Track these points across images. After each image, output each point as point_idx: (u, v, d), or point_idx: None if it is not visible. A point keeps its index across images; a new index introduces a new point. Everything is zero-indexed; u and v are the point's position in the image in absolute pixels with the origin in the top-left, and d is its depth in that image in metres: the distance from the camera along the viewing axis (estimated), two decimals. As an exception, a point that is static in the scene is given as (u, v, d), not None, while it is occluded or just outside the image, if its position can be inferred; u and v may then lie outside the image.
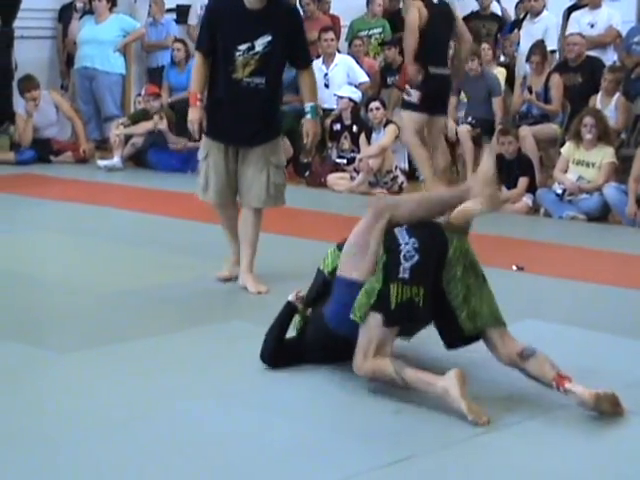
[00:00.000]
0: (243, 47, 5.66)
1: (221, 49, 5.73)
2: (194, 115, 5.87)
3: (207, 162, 5.95)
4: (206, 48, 5.87)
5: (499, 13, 12.61)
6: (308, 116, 5.98)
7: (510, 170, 8.75)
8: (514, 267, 6.49)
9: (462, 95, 10.22)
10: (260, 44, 5.67)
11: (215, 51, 5.79)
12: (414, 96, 8.35)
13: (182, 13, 12.60)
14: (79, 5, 11.90)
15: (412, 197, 4.41)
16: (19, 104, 11.17)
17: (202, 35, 5.98)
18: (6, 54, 11.69)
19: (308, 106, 5.96)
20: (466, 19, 12.12)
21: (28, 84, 10.95)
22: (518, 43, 11.07)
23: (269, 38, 5.66)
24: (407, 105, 8.57)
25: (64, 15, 12.15)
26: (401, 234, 4.15)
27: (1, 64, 11.49)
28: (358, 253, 4.24)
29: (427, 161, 8.60)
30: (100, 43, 11.28)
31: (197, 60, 5.97)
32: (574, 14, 10.70)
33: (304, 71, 5.96)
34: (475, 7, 12.49)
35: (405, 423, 3.91)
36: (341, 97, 10.03)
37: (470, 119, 9.87)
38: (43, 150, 11.00)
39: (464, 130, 9.75)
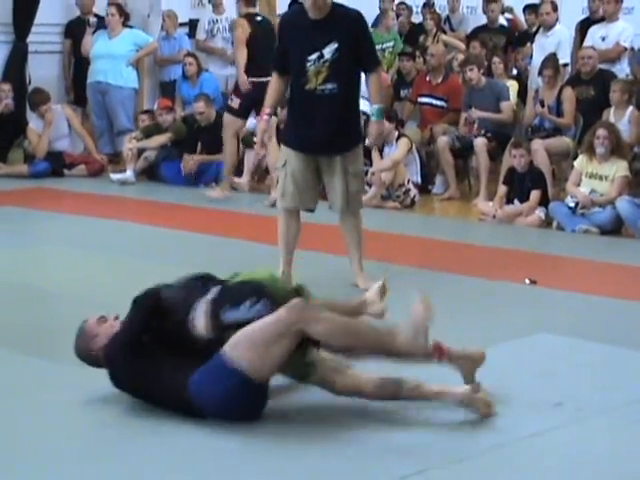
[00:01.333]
0: (313, 57, 5.91)
1: (294, 62, 6.01)
2: (259, 126, 6.44)
3: (285, 170, 6.21)
4: (278, 66, 6.23)
5: (506, 25, 12.64)
6: (373, 117, 6.20)
7: (522, 183, 8.74)
8: (527, 280, 6.47)
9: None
10: (328, 52, 5.89)
11: (289, 67, 6.09)
12: (235, 102, 9.29)
13: (194, 27, 12.64)
14: (92, 20, 11.94)
15: (337, 319, 3.96)
16: (31, 117, 11.23)
17: (275, 54, 6.38)
18: (20, 69, 11.77)
19: (373, 108, 6.17)
20: (475, 31, 12.20)
21: (39, 98, 11.00)
22: (531, 56, 11.06)
23: (336, 45, 5.89)
24: (229, 109, 9.47)
25: (73, 30, 12.16)
26: None
27: (16, 78, 11.56)
28: (257, 347, 3.86)
29: (230, 156, 9.66)
30: (113, 57, 11.31)
31: (272, 77, 6.33)
32: (591, 29, 10.67)
33: (370, 74, 6.12)
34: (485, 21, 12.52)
35: (417, 437, 3.90)
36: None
37: (483, 131, 9.84)
38: (56, 163, 11.03)
39: (480, 143, 9.72)
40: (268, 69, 9.06)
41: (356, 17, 6.13)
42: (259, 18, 9.54)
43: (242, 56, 9.21)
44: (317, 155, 6.16)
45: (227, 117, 9.52)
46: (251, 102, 9.09)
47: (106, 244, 7.64)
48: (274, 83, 6.28)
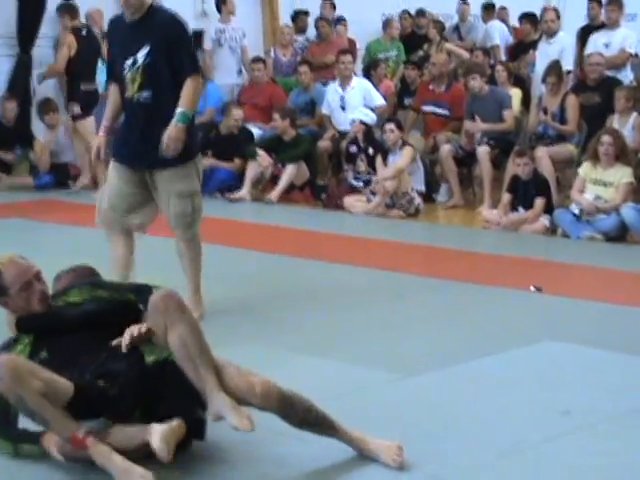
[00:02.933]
0: (129, 62, 5.51)
1: (117, 69, 5.63)
2: (94, 141, 5.87)
3: (106, 183, 5.84)
4: (110, 75, 5.91)
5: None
6: (172, 121, 5.44)
7: (526, 191, 8.74)
8: (532, 288, 6.46)
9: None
10: (141, 56, 5.48)
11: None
12: (76, 110, 10.78)
13: (196, 38, 12.65)
14: (96, 31, 11.94)
15: None
16: (37, 129, 11.28)
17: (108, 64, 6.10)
18: (25, 81, 11.79)
19: (177, 112, 5.44)
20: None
21: (47, 107, 11.12)
22: (534, 64, 11.07)
23: (148, 49, 5.46)
24: (74, 117, 10.86)
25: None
26: None
27: (21, 91, 11.60)
28: None
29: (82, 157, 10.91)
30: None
31: (110, 89, 5.88)
32: (593, 35, 10.67)
33: (186, 80, 5.48)
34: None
35: (425, 447, 3.88)
36: (354, 121, 10.04)
37: (486, 139, 9.84)
38: (61, 175, 11.07)
39: (483, 151, 9.71)
40: (94, 76, 10.92)
41: (169, 19, 5.57)
42: (84, 32, 10.87)
43: (61, 66, 10.93)
44: (136, 169, 5.63)
45: (82, 123, 10.71)
46: (88, 107, 10.70)
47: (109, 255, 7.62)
48: (111, 94, 5.79)
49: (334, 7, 13.08)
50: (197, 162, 5.72)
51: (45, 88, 11.95)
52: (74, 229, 8.75)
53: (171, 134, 5.42)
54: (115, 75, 5.72)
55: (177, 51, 5.49)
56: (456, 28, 13.41)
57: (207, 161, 10.53)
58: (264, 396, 3.63)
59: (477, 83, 9.94)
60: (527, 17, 12.18)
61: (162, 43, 5.44)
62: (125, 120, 5.75)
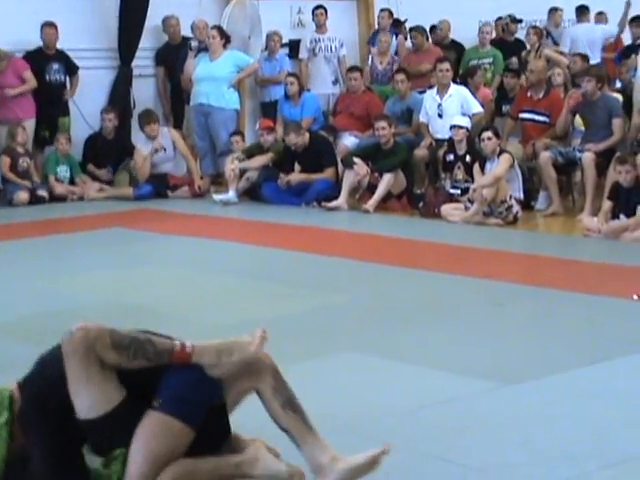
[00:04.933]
0: None
1: None
2: None
3: None
4: None
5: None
6: None
7: (628, 198, 8.58)
8: (635, 297, 6.33)
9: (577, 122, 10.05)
10: None
11: None
12: None
13: (294, 48, 12.77)
14: (194, 44, 12.12)
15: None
16: (137, 139, 11.48)
17: None
18: (126, 92, 12.02)
19: None
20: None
21: (147, 118, 11.29)
22: (635, 68, 10.86)
23: None
24: None
25: (163, 57, 12.29)
26: None
27: (122, 102, 11.83)
28: None
29: None
30: (215, 80, 11.45)
31: None
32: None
33: None
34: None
35: (530, 454, 3.83)
36: (456, 127, 9.95)
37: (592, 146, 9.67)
38: (160, 185, 11.24)
39: (588, 158, 9.52)
40: None
41: None
42: None
43: None
44: None
45: None
46: None
47: (208, 263, 7.72)
48: None
49: (391, 15, 13.07)
50: None
51: (152, 99, 12.21)
52: (174, 238, 8.86)
53: None
54: None
55: None
56: (549, 34, 13.25)
57: (298, 176, 10.66)
58: None
59: (591, 86, 9.71)
60: (636, 20, 12.02)
61: None
62: None
